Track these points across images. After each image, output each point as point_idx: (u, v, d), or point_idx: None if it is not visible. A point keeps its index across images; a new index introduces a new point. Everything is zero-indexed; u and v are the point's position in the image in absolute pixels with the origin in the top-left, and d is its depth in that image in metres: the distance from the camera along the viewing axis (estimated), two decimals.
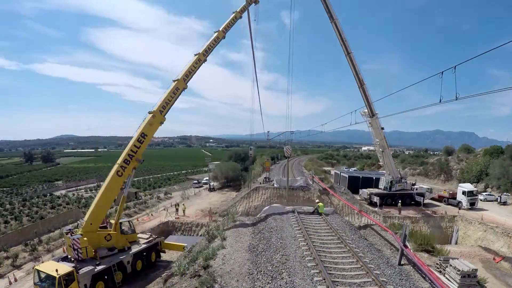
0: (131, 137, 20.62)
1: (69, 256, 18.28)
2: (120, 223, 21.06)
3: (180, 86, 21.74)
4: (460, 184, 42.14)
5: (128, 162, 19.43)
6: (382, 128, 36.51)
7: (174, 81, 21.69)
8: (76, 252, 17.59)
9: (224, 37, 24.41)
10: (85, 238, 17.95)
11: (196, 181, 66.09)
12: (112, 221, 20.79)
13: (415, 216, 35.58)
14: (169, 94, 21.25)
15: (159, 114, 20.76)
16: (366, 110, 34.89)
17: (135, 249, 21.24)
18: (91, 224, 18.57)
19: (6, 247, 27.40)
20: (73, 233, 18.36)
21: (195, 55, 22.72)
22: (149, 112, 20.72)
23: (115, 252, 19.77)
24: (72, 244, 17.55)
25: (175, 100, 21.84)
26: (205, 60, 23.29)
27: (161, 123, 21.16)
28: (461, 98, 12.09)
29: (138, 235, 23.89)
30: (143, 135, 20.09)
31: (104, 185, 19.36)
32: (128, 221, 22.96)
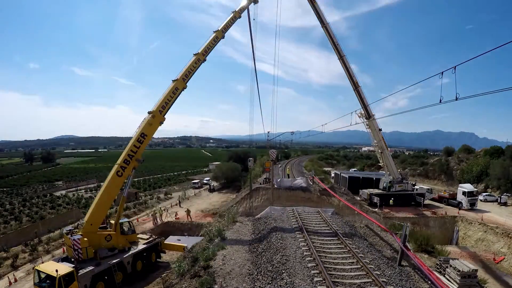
0: (131, 138, 20.63)
1: (69, 257, 18.29)
2: (121, 223, 21.10)
3: (179, 86, 21.59)
4: (460, 185, 42.12)
5: (128, 162, 19.40)
6: (380, 130, 36.53)
7: (173, 81, 21.57)
8: (76, 252, 17.60)
9: (223, 37, 24.20)
10: (85, 239, 17.96)
11: (196, 181, 65.72)
12: (112, 222, 20.83)
13: (415, 216, 35.57)
14: (168, 94, 21.11)
15: (159, 114, 20.63)
16: (362, 112, 34.99)
17: (135, 249, 21.26)
18: (91, 224, 18.56)
19: (6, 247, 27.40)
20: (73, 233, 18.39)
21: (194, 55, 22.56)
22: (149, 112, 20.57)
23: (115, 253, 19.77)
24: (73, 245, 17.56)
25: (175, 99, 21.70)
26: (205, 60, 23.12)
27: (161, 123, 21.04)
28: (461, 98, 12.07)
29: (138, 236, 23.90)
30: (143, 135, 20.03)
31: (104, 185, 19.38)
32: (128, 222, 22.98)
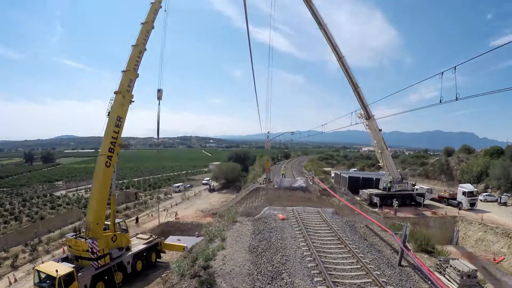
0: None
1: (79, 262, 17.87)
2: (118, 222, 21.18)
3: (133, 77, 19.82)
4: (460, 185, 42.08)
5: (112, 150, 18.46)
6: (380, 130, 36.51)
7: (123, 71, 19.56)
8: (95, 255, 17.44)
9: (153, 27, 21.06)
10: (102, 240, 17.88)
11: (207, 180, 66.97)
12: (108, 223, 20.64)
13: (415, 216, 35.55)
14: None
15: (127, 92, 19.35)
16: (362, 112, 34.97)
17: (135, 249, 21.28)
18: (97, 224, 18.18)
19: (6, 247, 27.41)
20: (80, 237, 17.96)
21: (133, 46, 20.05)
22: (116, 93, 19.05)
23: (124, 252, 19.82)
24: (91, 248, 17.26)
25: (136, 77, 20.16)
26: (145, 49, 20.76)
27: (131, 101, 19.85)
28: (461, 99, 12.10)
29: (138, 236, 23.94)
30: (119, 118, 18.84)
31: (96, 181, 18.53)
32: (123, 221, 23.04)
